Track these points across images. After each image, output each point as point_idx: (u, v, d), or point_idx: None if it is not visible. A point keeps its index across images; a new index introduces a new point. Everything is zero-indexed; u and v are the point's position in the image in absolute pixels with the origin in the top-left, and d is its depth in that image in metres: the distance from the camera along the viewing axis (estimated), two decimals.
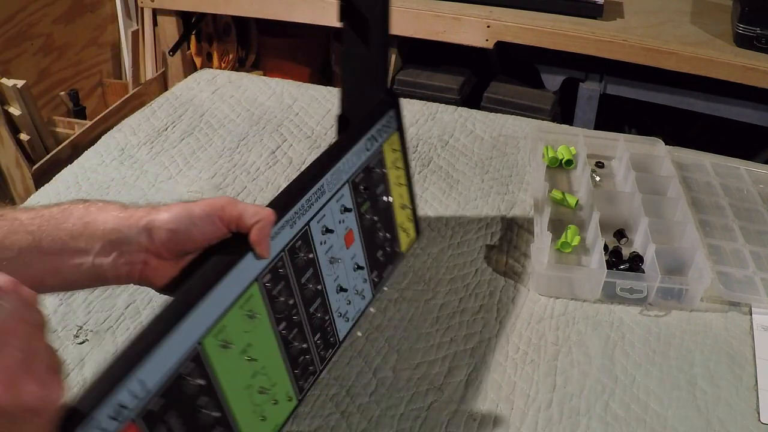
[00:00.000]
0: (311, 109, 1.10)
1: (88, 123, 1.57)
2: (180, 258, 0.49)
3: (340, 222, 0.60)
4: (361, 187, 0.63)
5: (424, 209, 0.89)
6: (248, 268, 0.49)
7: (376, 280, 0.66)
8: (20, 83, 1.42)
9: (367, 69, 0.70)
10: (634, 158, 0.95)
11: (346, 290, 0.61)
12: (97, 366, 0.64)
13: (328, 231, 0.58)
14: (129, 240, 0.47)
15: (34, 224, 0.46)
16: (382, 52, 0.69)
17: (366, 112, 0.66)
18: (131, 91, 1.76)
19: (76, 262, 0.46)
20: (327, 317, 0.59)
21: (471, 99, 1.61)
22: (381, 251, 0.67)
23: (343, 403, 0.63)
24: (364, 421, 0.62)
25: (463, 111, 1.13)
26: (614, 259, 0.80)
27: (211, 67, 1.67)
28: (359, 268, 0.63)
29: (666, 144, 0.99)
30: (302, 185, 0.56)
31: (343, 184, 0.60)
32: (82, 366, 0.64)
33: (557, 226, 0.87)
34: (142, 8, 1.80)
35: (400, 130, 0.69)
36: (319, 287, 0.57)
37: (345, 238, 0.61)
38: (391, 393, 0.65)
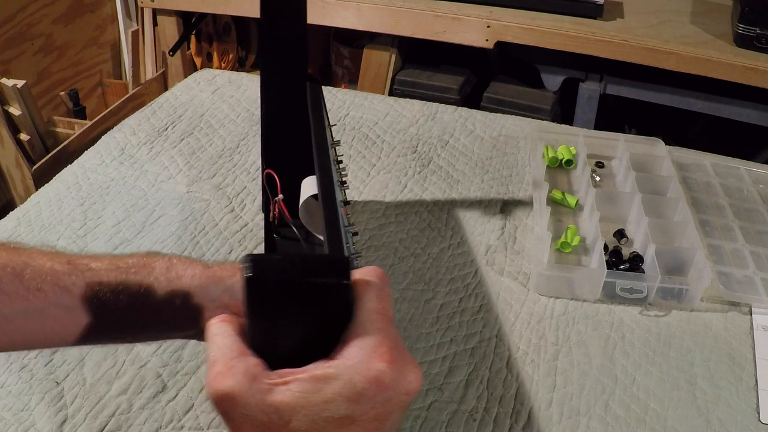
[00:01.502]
0: None
1: (88, 123, 1.57)
2: None
3: (340, 196, 0.66)
4: (336, 161, 0.69)
5: (424, 209, 0.89)
6: None
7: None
8: (20, 83, 1.42)
9: (287, 58, 0.73)
10: (634, 158, 0.95)
11: (359, 256, 0.67)
12: (97, 366, 0.64)
13: (346, 203, 0.65)
14: (212, 297, 0.45)
15: (110, 277, 0.44)
16: (303, 41, 0.73)
17: (292, 97, 0.74)
18: (131, 91, 1.76)
19: (153, 317, 0.45)
20: None
21: (471, 99, 1.61)
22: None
23: None
24: None
25: (463, 111, 1.13)
26: (614, 259, 0.80)
27: (211, 67, 1.67)
28: (354, 234, 0.69)
29: (666, 144, 0.99)
30: (325, 166, 0.60)
31: (331, 162, 0.65)
32: (82, 366, 0.64)
33: (557, 226, 0.87)
34: (142, 8, 1.80)
35: (325, 107, 0.77)
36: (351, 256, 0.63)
37: (343, 210, 0.66)
38: None
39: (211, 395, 0.33)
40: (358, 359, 0.33)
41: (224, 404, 0.33)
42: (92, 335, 0.44)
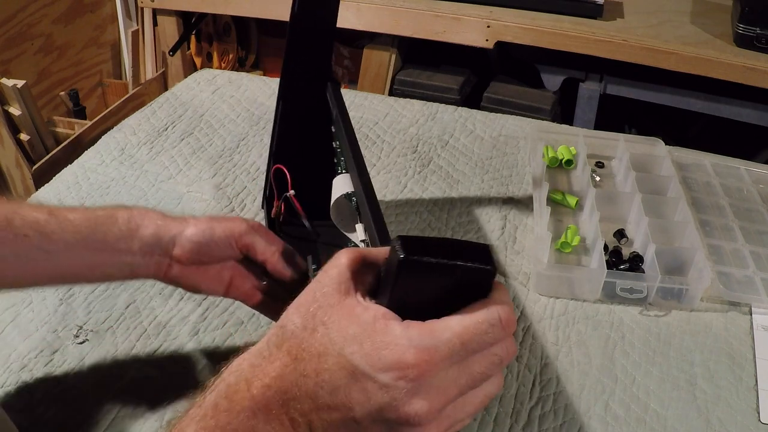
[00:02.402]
0: None
1: (88, 123, 1.57)
2: (200, 266, 0.57)
3: None
4: None
5: (424, 209, 0.89)
6: None
7: None
8: (20, 83, 1.42)
9: (311, 60, 0.74)
10: (634, 158, 0.95)
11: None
12: (97, 366, 0.64)
13: None
14: (161, 245, 0.55)
15: (83, 225, 0.52)
16: (331, 39, 0.74)
17: (312, 95, 0.75)
18: (131, 91, 1.76)
19: (117, 260, 0.54)
20: None
21: (471, 99, 1.62)
22: None
23: None
24: None
25: (463, 111, 1.13)
26: (614, 259, 0.80)
27: (211, 67, 1.67)
28: None
29: (666, 144, 0.99)
30: (361, 165, 0.61)
31: None
32: (82, 366, 0.64)
33: (557, 226, 0.87)
34: (142, 8, 1.80)
35: None
36: None
37: None
38: None
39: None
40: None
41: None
42: (68, 276, 0.54)
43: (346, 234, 0.68)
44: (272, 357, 0.35)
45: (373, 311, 0.34)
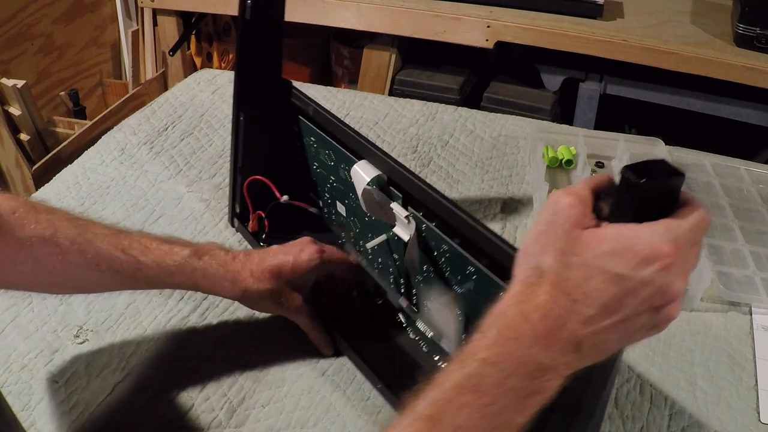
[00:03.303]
0: None
1: (88, 123, 1.57)
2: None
3: None
4: None
5: None
6: None
7: None
8: (20, 83, 1.42)
9: (263, 60, 0.73)
10: (634, 158, 0.94)
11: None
12: (97, 366, 0.64)
13: None
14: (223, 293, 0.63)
15: (153, 272, 0.59)
16: (279, 45, 0.75)
17: (269, 99, 0.75)
18: (131, 91, 1.76)
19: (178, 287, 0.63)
20: None
21: (471, 99, 1.61)
22: None
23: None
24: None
25: (463, 111, 1.13)
26: None
27: (211, 67, 1.67)
28: None
29: (666, 144, 0.99)
30: (379, 149, 0.65)
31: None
32: (82, 366, 0.64)
33: None
34: (142, 8, 1.80)
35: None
36: None
37: None
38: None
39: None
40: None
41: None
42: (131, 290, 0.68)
43: (386, 222, 0.64)
44: (536, 293, 0.39)
45: (614, 227, 0.39)
